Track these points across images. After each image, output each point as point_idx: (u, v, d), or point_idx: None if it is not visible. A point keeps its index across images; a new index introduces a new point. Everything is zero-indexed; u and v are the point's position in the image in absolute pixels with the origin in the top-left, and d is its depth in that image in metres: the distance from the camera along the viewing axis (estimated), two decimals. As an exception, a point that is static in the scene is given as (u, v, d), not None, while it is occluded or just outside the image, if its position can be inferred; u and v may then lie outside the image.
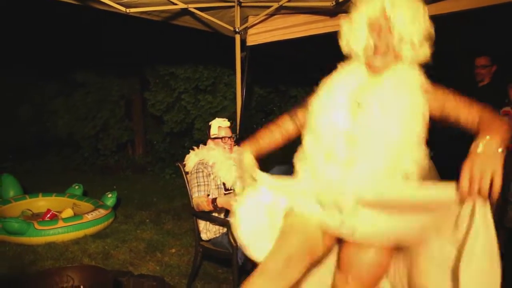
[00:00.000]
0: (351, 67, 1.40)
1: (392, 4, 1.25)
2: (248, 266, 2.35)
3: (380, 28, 1.28)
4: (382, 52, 1.30)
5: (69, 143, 6.53)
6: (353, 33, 1.35)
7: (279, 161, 3.50)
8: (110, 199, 4.15)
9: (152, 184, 5.89)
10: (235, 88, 3.76)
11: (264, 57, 4.37)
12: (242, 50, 3.55)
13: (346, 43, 1.38)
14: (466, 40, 4.45)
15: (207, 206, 2.48)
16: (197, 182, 2.60)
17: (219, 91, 6.12)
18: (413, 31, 1.26)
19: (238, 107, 3.64)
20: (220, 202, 2.45)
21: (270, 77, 5.97)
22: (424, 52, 1.31)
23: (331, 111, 1.35)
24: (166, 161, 6.74)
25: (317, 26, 3.07)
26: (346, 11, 2.89)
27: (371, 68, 1.34)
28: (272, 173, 3.36)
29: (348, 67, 1.41)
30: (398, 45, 1.28)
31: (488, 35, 4.21)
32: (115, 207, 4.17)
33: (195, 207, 2.59)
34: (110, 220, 3.93)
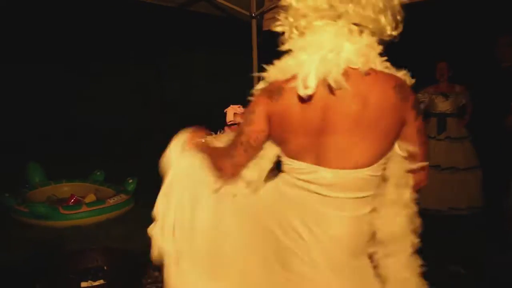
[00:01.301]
0: None
1: None
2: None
3: None
4: None
5: (90, 131, 6.68)
6: None
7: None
8: (131, 184, 4.26)
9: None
10: (249, 73, 3.76)
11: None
12: (258, 35, 3.54)
13: None
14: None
15: None
16: None
17: (233, 77, 6.13)
18: None
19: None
20: None
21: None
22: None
23: None
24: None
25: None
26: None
27: None
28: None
29: None
30: None
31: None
32: (135, 192, 4.28)
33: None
34: (131, 205, 4.04)
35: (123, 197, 3.95)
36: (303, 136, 1.06)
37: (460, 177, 3.76)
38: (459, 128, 3.85)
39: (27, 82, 6.13)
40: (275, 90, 1.07)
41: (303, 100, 1.03)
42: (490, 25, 4.03)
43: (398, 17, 1.06)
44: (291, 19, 1.08)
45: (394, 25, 1.05)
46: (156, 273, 2.69)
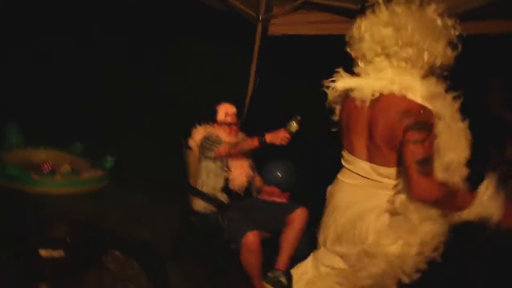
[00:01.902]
0: None
1: None
2: (230, 249, 2.43)
3: None
4: None
5: (80, 102, 6.59)
6: None
7: (274, 155, 3.56)
8: (109, 162, 4.22)
9: (150, 152, 5.93)
10: (247, 75, 3.78)
11: (285, 50, 4.37)
12: (262, 39, 3.56)
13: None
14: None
15: (249, 143, 2.43)
16: (215, 140, 2.63)
17: (231, 74, 6.14)
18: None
19: (248, 95, 3.67)
20: (271, 136, 2.33)
21: (287, 71, 5.97)
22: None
23: None
24: (171, 135, 6.78)
25: (340, 27, 3.07)
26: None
27: None
28: (268, 168, 3.42)
29: None
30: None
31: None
32: (112, 170, 4.24)
33: (225, 153, 2.57)
34: (106, 182, 4.01)
35: (99, 172, 3.92)
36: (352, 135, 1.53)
37: None
38: None
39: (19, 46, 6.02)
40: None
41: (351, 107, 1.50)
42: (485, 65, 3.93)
43: (441, 57, 1.39)
44: (358, 52, 1.48)
45: (436, 62, 1.39)
46: (118, 253, 2.68)
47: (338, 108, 1.67)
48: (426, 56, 1.37)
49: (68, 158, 4.27)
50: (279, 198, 2.64)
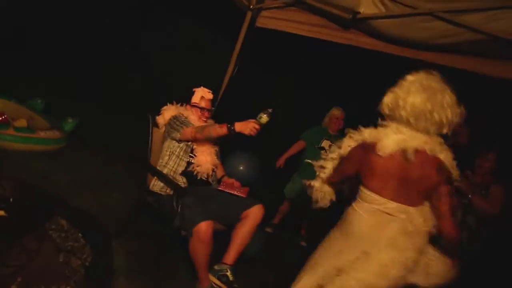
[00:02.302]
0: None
1: None
2: (180, 234, 2.39)
3: None
4: None
5: (52, 57, 6.23)
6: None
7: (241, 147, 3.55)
8: (70, 124, 4.03)
9: (113, 122, 5.72)
10: (227, 61, 3.71)
11: (270, 44, 4.33)
12: (249, 29, 3.49)
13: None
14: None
15: (218, 129, 2.39)
16: (183, 122, 2.57)
17: (215, 55, 6.03)
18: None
19: (224, 83, 3.60)
20: (240, 125, 2.32)
21: (268, 66, 5.94)
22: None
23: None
24: (136, 104, 6.58)
25: (329, 33, 3.07)
26: (359, 28, 2.95)
27: None
28: (232, 159, 3.39)
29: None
30: None
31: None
32: (71, 133, 4.05)
33: (192, 137, 2.51)
34: (62, 144, 3.82)
35: (56, 133, 3.73)
36: (379, 179, 1.74)
37: None
38: None
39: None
40: (367, 147, 1.75)
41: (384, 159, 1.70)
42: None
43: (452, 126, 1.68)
44: (386, 113, 1.77)
45: (448, 130, 1.68)
46: (63, 222, 2.57)
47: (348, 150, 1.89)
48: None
49: (26, 113, 4.01)
50: (238, 192, 2.61)
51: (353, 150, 1.82)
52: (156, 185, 2.61)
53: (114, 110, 6.07)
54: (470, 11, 2.21)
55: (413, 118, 1.65)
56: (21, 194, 2.42)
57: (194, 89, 2.80)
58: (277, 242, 3.78)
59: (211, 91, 2.81)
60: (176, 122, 2.58)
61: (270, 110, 2.34)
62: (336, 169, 1.93)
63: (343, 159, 1.89)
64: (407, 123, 1.67)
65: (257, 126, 2.29)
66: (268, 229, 3.93)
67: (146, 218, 3.11)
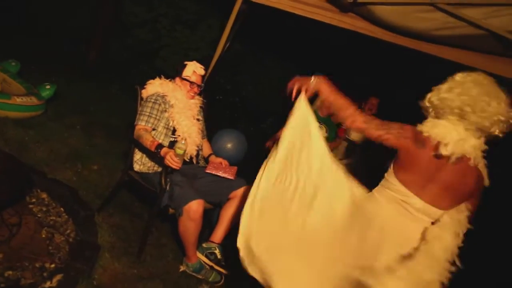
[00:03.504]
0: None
1: None
2: (167, 212, 2.35)
3: None
4: None
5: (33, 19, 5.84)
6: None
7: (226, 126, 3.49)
8: (47, 90, 3.81)
9: (94, 92, 5.50)
10: (217, 35, 3.58)
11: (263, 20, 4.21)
12: (243, 3, 3.36)
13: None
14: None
15: (149, 145, 2.36)
16: (149, 112, 2.49)
17: (199, 30, 5.82)
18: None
19: (214, 58, 3.49)
20: (164, 151, 2.30)
21: (258, 42, 5.81)
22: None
23: None
24: (117, 75, 6.35)
25: (325, 14, 2.99)
26: (358, 13, 2.90)
27: None
28: (219, 138, 3.34)
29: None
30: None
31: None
32: (48, 101, 3.85)
33: (135, 135, 2.48)
34: (39, 112, 3.63)
35: (33, 100, 3.52)
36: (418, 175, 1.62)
37: None
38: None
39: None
40: (420, 140, 1.60)
41: (434, 155, 1.58)
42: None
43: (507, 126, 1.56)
44: (435, 103, 1.63)
45: (503, 131, 1.56)
46: (44, 195, 2.47)
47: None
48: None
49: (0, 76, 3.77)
50: (226, 173, 2.58)
51: (412, 129, 1.64)
52: (144, 163, 2.53)
53: (90, 78, 5.84)
54: (472, 5, 2.21)
55: (470, 107, 1.53)
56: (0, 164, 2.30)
57: (185, 63, 2.69)
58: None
59: (203, 67, 2.72)
60: (145, 109, 2.51)
61: (183, 141, 2.34)
62: (383, 125, 1.67)
63: (396, 126, 1.66)
64: (460, 115, 1.56)
65: (174, 157, 2.25)
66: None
67: (129, 193, 3.04)
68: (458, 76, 1.61)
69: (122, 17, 6.13)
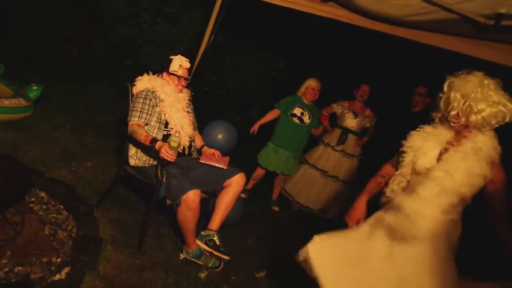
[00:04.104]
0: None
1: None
2: (165, 204, 2.45)
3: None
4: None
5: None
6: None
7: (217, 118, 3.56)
8: (35, 91, 3.81)
9: (80, 91, 5.49)
10: (199, 27, 3.60)
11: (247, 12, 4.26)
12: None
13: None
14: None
15: (144, 139, 2.43)
16: (141, 108, 2.56)
17: (182, 23, 5.83)
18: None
19: (200, 51, 3.54)
20: (159, 145, 2.37)
21: (240, 33, 5.84)
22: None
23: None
24: (101, 73, 6.32)
25: (306, 4, 3.08)
26: (337, 2, 2.99)
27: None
28: (210, 129, 3.41)
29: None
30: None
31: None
32: (36, 101, 3.86)
33: (129, 131, 2.55)
34: (29, 113, 3.65)
35: (21, 101, 3.53)
36: None
37: (337, 186, 4.24)
38: (356, 146, 4.27)
39: None
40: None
41: None
42: (417, 73, 4.51)
43: None
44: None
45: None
46: (42, 194, 2.53)
47: None
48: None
49: (-16, 79, 3.76)
50: (219, 162, 2.67)
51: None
52: (139, 158, 2.61)
53: (75, 77, 5.81)
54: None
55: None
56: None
57: (171, 57, 2.75)
58: (251, 207, 3.92)
59: (188, 60, 2.78)
60: (136, 105, 2.58)
61: (177, 135, 2.42)
62: None
63: None
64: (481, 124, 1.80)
65: (168, 150, 2.32)
66: (243, 195, 4.06)
67: (125, 187, 3.11)
68: (466, 78, 1.82)
69: (103, 14, 6.08)
